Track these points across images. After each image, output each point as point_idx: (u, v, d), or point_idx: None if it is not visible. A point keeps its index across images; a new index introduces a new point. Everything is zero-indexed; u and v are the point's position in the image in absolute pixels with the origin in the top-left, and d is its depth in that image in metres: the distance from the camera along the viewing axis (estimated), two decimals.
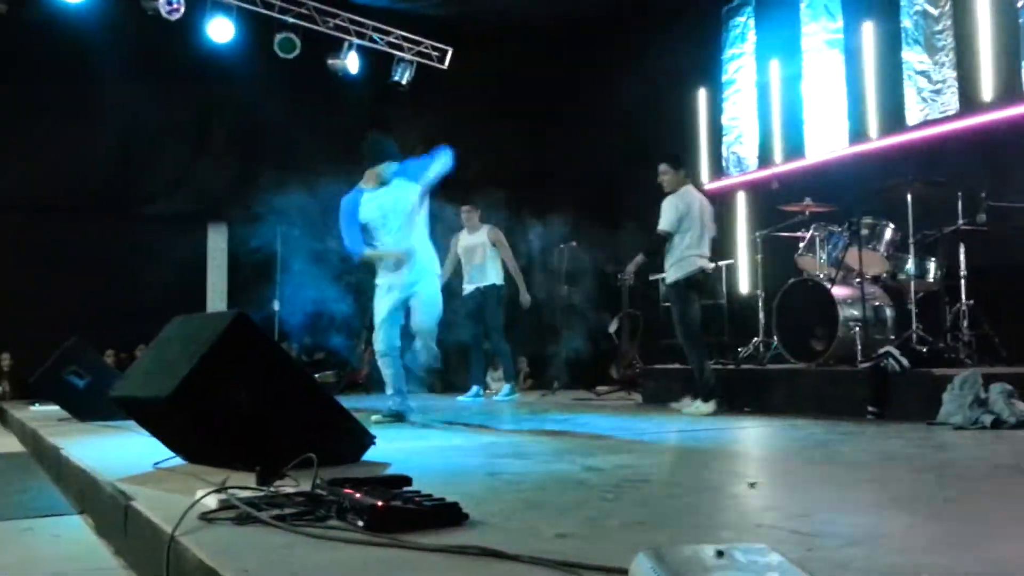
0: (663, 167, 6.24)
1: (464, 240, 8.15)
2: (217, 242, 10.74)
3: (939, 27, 7.54)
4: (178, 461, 3.37)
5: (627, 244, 8.92)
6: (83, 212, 10.04)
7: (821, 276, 6.35)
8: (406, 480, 2.55)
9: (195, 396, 3.03)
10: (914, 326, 5.89)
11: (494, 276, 8.01)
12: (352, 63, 10.24)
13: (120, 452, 3.87)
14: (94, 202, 10.12)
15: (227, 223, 10.86)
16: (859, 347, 5.81)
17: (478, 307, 7.99)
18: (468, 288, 8.06)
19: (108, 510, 2.75)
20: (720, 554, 1.22)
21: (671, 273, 6.11)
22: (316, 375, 8.95)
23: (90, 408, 5.65)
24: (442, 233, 7.68)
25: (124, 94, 9.85)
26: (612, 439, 4.44)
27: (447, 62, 10.90)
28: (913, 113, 7.71)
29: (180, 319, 3.72)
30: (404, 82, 10.57)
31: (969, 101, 7.25)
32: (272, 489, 2.46)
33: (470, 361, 8.33)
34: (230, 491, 2.33)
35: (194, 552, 1.88)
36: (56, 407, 6.33)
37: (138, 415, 3.60)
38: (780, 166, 8.81)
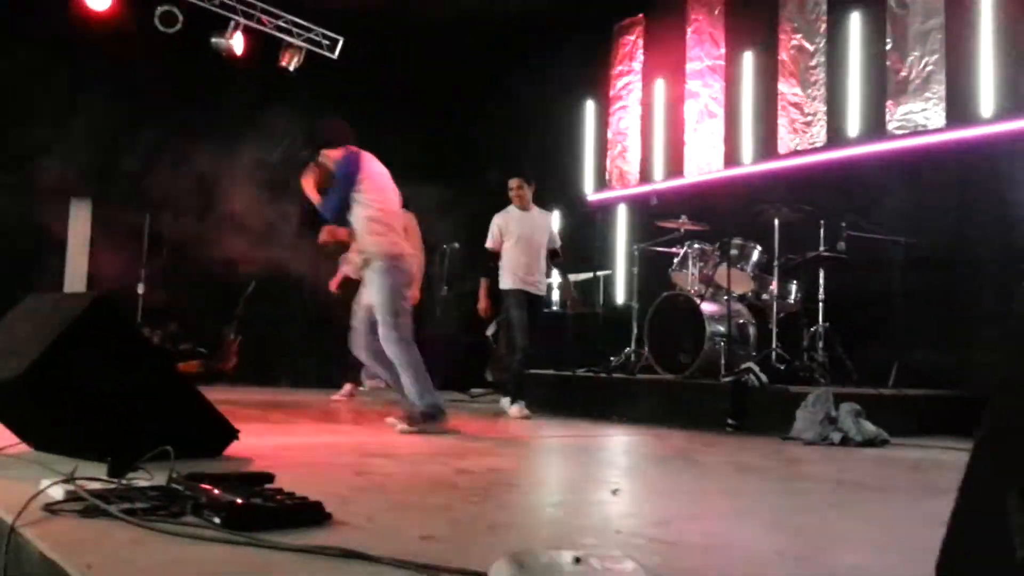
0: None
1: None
2: (80, 219, 10.18)
3: (813, 63, 7.94)
4: (24, 448, 3.18)
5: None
6: None
7: (692, 292, 6.57)
8: (268, 477, 2.50)
9: (46, 379, 2.87)
10: (774, 344, 6.17)
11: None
12: (237, 43, 9.92)
13: None
14: None
15: (91, 199, 10.33)
16: (723, 362, 6.05)
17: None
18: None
19: None
20: (577, 560, 1.25)
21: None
22: (180, 364, 8.62)
23: None
24: None
25: None
26: (484, 441, 4.46)
27: (337, 52, 10.71)
28: (784, 142, 8.09)
29: (33, 297, 3.51)
30: (291, 68, 10.32)
31: (836, 135, 7.66)
32: (124, 482, 2.36)
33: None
34: (78, 482, 2.22)
35: (35, 544, 1.78)
36: None
37: None
38: (659, 183, 9.07)
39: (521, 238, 6.48)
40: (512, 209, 6.60)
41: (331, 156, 5.00)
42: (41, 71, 9.41)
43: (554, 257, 6.75)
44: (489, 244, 6.58)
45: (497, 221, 6.57)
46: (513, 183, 6.61)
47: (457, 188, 7.53)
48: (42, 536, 1.83)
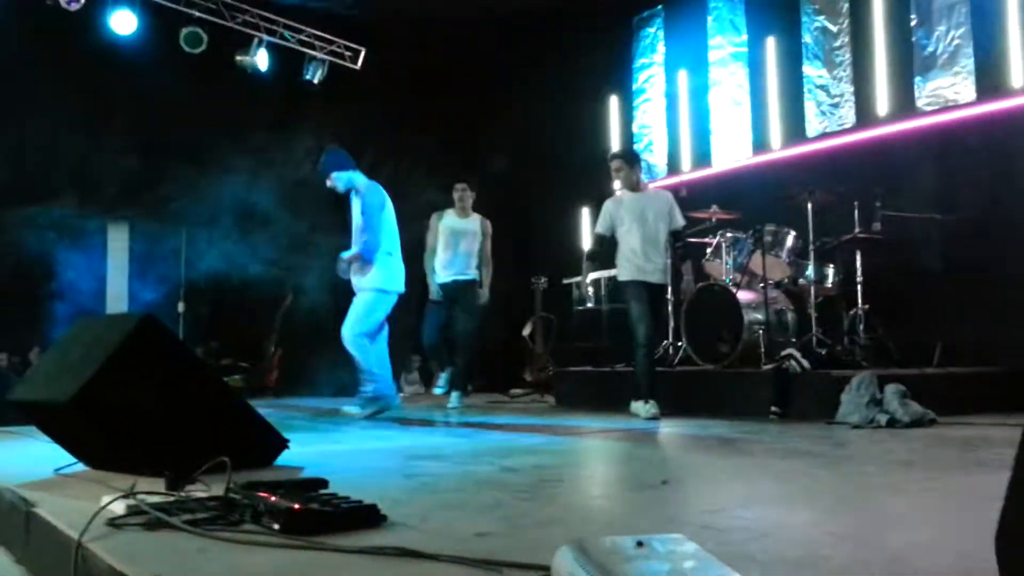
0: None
1: (452, 222, 7.36)
2: (118, 242, 10.37)
3: (837, 43, 7.87)
4: (81, 467, 3.25)
5: (539, 247, 9.07)
6: None
7: (727, 281, 6.55)
8: (322, 482, 2.53)
9: (99, 399, 2.93)
10: (814, 329, 6.12)
11: (475, 269, 7.31)
12: (261, 60, 10.04)
13: (18, 458, 3.72)
14: None
15: (128, 221, 10.51)
16: (763, 350, 6.02)
17: (454, 300, 7.23)
18: (445, 276, 7.23)
19: (7, 517, 2.64)
20: (640, 544, 1.26)
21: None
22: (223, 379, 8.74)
23: None
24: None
25: (18, 87, 9.43)
26: (528, 440, 4.49)
27: (360, 62, 10.80)
28: (813, 125, 8.03)
29: (84, 321, 3.59)
30: (316, 81, 10.42)
31: (865, 115, 7.58)
32: (182, 494, 2.40)
33: (442, 357, 7.53)
34: (138, 496, 2.27)
35: (103, 558, 1.82)
36: None
37: (39, 419, 3.45)
38: (688, 174, 9.04)
39: (634, 223, 5.93)
40: (624, 193, 6.12)
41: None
42: (71, 95, 9.59)
43: (675, 240, 6.10)
44: (597, 229, 6.10)
45: (608, 207, 6.06)
46: (614, 164, 6.13)
47: (483, 189, 7.51)
48: (109, 550, 1.87)
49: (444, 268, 7.23)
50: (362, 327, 6.12)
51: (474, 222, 7.32)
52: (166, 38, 9.48)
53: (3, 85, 9.27)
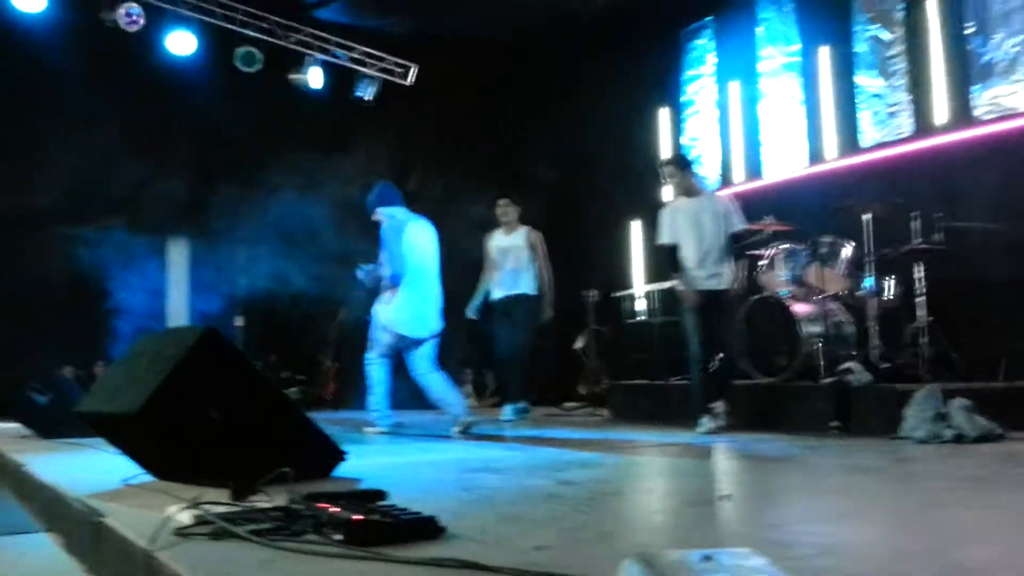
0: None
1: (497, 240, 7.43)
2: (177, 257, 10.60)
3: (892, 52, 7.75)
4: (147, 478, 3.32)
5: (590, 260, 9.04)
6: (39, 227, 9.86)
7: (784, 293, 6.45)
8: (381, 494, 2.55)
9: (164, 411, 3.00)
10: (875, 342, 6.00)
11: (528, 284, 7.29)
12: (314, 78, 10.21)
13: (87, 469, 3.81)
14: (51, 217, 9.93)
15: (188, 238, 10.74)
16: (821, 363, 5.91)
17: (507, 316, 7.24)
18: (498, 294, 7.31)
19: (78, 527, 2.70)
20: (707, 558, 1.25)
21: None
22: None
23: (53, 425, 5.54)
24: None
25: (82, 107, 9.71)
26: (583, 454, 4.46)
27: (411, 78, 10.92)
28: (868, 135, 7.90)
29: (148, 335, 3.68)
30: (368, 98, 10.56)
31: (922, 124, 7.44)
32: (247, 504, 2.44)
33: (507, 375, 7.59)
34: (204, 506, 2.31)
35: (172, 567, 1.86)
36: (17, 425, 6.19)
37: (106, 431, 3.54)
38: (740, 185, 8.95)
39: (690, 230, 5.73)
40: (680, 200, 5.89)
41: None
42: (130, 114, 9.85)
43: (735, 242, 5.81)
44: (662, 240, 5.89)
45: (665, 216, 5.88)
46: (666, 170, 5.97)
47: (533, 203, 7.54)
48: (177, 559, 1.91)
49: (496, 287, 7.30)
50: (372, 350, 5.95)
51: (519, 237, 7.33)
52: (221, 58, 9.69)
53: (64, 105, 9.57)
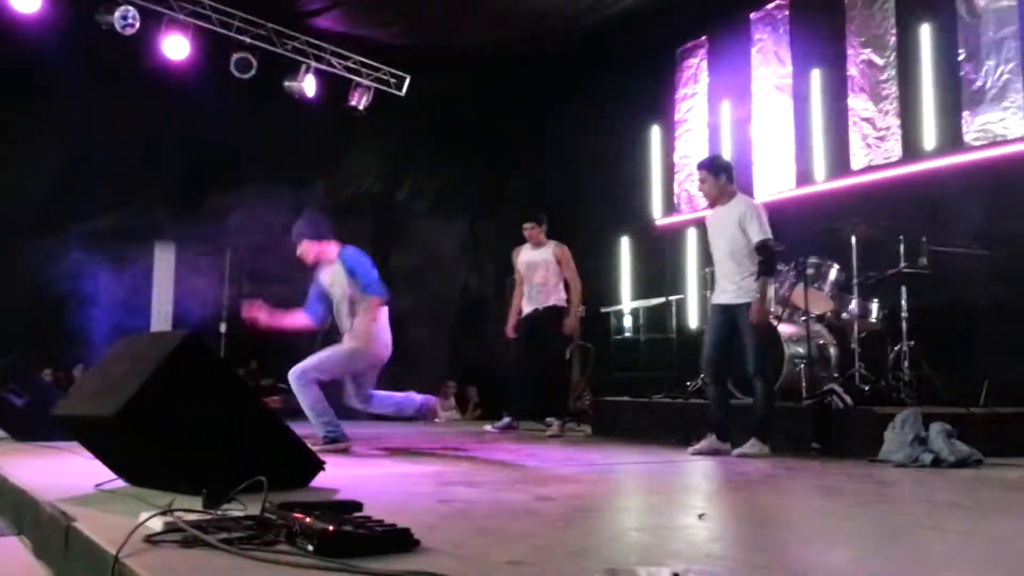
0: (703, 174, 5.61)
1: (525, 255, 7.43)
2: (164, 261, 10.55)
3: (883, 76, 7.81)
4: (121, 483, 3.30)
5: (580, 275, 8.98)
6: (24, 228, 9.80)
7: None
8: (357, 506, 2.53)
9: (142, 416, 2.98)
10: (857, 365, 6.02)
11: (556, 297, 7.28)
12: (309, 86, 10.21)
13: (60, 473, 3.77)
14: (36, 218, 9.88)
15: (174, 242, 10.70)
16: (804, 384, 5.92)
17: (531, 331, 7.24)
18: (526, 308, 7.33)
19: (48, 531, 2.68)
20: (676, 575, 1.24)
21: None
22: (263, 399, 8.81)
23: (29, 428, 5.49)
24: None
25: (73, 108, 9.67)
26: (562, 469, 4.45)
27: (405, 89, 10.94)
28: (858, 158, 7.94)
29: (128, 338, 3.66)
30: (361, 107, 10.56)
31: (911, 148, 7.49)
32: (219, 512, 2.42)
33: (508, 388, 7.67)
34: (176, 514, 2.29)
35: (139, 574, 1.85)
36: None
37: (81, 435, 3.51)
38: None
39: (716, 239, 5.51)
40: (718, 209, 5.57)
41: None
42: (122, 117, 9.81)
43: (758, 253, 5.33)
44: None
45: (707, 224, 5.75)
46: (698, 175, 5.66)
47: (524, 218, 7.54)
48: (145, 566, 1.89)
49: (525, 301, 7.34)
50: (319, 373, 5.48)
51: (545, 251, 7.34)
52: (217, 63, 9.68)
53: (56, 106, 9.53)
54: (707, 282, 7.54)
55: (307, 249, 5.67)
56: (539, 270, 7.27)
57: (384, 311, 5.62)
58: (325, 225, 5.79)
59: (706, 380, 5.72)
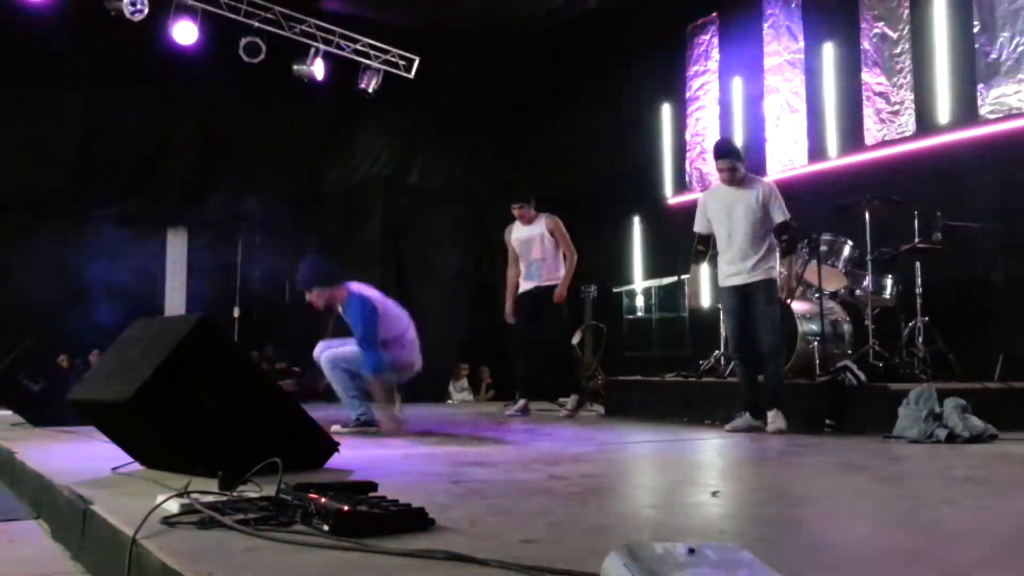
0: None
1: (518, 232, 7.18)
2: (176, 247, 10.60)
3: (897, 50, 7.72)
4: (137, 466, 3.32)
5: (589, 255, 8.97)
6: (39, 214, 9.86)
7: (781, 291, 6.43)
8: (372, 486, 2.54)
9: (156, 399, 2.99)
10: (871, 341, 5.99)
11: (558, 272, 7.01)
12: (318, 69, 10.19)
13: (77, 457, 3.81)
14: (51, 204, 9.94)
15: (187, 227, 10.74)
16: (817, 361, 5.90)
17: (536, 308, 7.01)
18: (526, 286, 7.10)
19: (65, 514, 2.70)
20: (692, 551, 1.24)
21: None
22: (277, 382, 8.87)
23: (45, 413, 5.54)
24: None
25: (84, 94, 9.70)
26: (576, 449, 4.46)
27: (414, 71, 10.90)
28: (871, 133, 7.87)
29: (141, 321, 3.67)
30: (370, 90, 10.54)
31: (926, 123, 7.42)
32: (235, 494, 2.44)
33: (515, 369, 7.53)
34: (192, 496, 2.31)
35: (157, 555, 1.86)
36: (9, 412, 6.20)
37: (97, 419, 3.53)
38: None
39: (719, 221, 5.45)
40: (719, 186, 5.61)
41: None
42: (133, 103, 9.83)
43: (780, 234, 5.37)
44: (695, 227, 5.66)
45: (700, 201, 5.68)
46: (720, 164, 5.48)
47: (511, 199, 7.38)
48: (163, 548, 1.90)
49: (523, 280, 7.12)
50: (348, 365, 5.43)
51: (537, 226, 7.09)
52: (226, 48, 9.67)
53: (67, 93, 9.55)
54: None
55: (315, 297, 5.46)
56: (535, 245, 7.06)
57: (410, 327, 5.52)
58: (327, 269, 5.59)
59: (735, 363, 5.74)
